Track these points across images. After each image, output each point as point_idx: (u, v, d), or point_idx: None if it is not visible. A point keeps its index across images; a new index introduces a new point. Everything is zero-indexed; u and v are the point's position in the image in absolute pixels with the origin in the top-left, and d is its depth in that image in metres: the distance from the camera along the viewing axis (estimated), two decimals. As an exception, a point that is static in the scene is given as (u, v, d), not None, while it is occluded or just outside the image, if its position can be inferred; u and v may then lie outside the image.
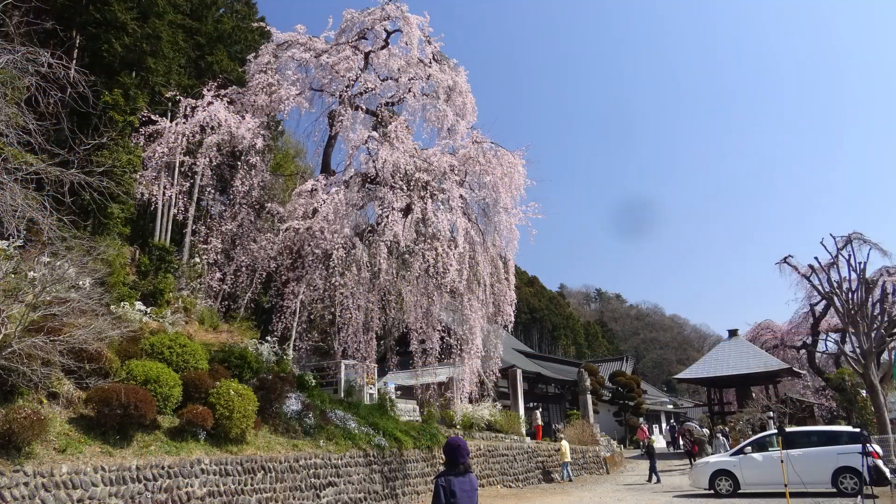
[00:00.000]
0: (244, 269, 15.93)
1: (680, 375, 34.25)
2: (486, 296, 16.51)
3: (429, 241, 14.16)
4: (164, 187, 16.98)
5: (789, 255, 28.25)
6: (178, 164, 17.50)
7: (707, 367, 30.94)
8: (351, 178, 15.29)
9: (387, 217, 14.10)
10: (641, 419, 41.67)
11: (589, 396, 29.10)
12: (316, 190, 15.20)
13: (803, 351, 33.42)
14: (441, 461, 17.30)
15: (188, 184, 18.90)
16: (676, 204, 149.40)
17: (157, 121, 16.14)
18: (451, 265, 14.46)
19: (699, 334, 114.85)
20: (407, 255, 14.75)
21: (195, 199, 22.76)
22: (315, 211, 14.56)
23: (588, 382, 29.08)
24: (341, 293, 14.86)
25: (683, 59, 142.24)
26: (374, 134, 15.55)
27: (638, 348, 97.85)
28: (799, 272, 27.88)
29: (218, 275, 16.25)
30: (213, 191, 17.36)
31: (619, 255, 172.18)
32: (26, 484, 7.14)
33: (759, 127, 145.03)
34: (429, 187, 14.78)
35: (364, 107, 17.43)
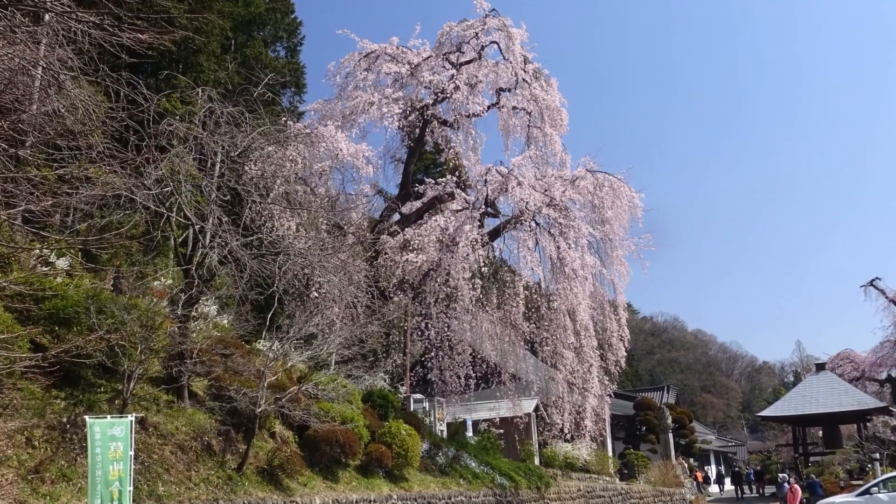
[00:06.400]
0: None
1: (764, 413, 34.28)
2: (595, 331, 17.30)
3: (567, 280, 14.98)
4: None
5: (877, 278, 28.34)
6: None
7: (793, 404, 31.05)
8: (482, 213, 16.07)
9: (521, 255, 14.99)
10: (692, 459, 40.89)
11: (671, 435, 29.38)
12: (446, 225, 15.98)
13: (887, 384, 33.31)
14: (548, 500, 18.03)
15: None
16: (707, 204, 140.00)
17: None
18: (579, 305, 15.28)
19: (729, 355, 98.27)
20: (537, 297, 15.55)
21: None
22: (450, 244, 15.27)
23: (669, 420, 29.40)
24: (457, 331, 15.66)
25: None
26: (501, 168, 16.28)
27: (654, 372, 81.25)
28: (887, 297, 28.05)
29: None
30: None
31: (629, 256, 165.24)
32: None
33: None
34: (557, 224, 15.64)
35: (474, 131, 18.46)
